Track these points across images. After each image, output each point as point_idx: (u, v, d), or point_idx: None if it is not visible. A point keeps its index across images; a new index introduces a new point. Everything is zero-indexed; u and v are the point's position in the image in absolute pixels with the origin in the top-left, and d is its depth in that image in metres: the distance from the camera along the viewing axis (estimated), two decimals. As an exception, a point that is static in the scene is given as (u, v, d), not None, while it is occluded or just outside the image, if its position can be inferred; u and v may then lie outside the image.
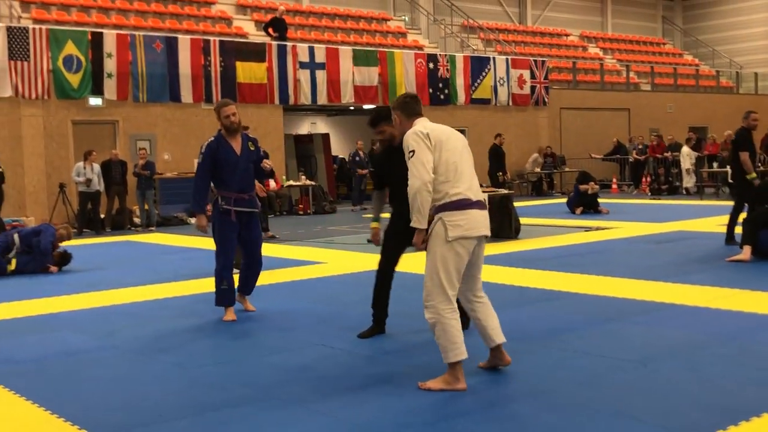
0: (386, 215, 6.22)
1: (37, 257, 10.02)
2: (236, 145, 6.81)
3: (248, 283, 7.25)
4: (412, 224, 4.66)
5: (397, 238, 6.09)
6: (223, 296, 6.91)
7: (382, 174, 6.27)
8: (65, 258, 10.32)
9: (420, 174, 4.60)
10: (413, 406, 4.44)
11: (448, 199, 4.65)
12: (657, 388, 4.67)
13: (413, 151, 4.65)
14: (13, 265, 9.98)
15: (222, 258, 6.88)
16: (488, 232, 4.82)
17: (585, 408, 4.34)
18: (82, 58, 17.13)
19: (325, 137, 23.46)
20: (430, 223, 4.78)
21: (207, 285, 8.02)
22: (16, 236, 10.14)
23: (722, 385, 4.70)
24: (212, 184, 6.91)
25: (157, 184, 17.64)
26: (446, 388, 4.62)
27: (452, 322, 4.62)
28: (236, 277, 7.06)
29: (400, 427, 4.12)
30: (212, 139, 6.82)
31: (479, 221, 4.72)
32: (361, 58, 21.29)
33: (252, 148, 6.96)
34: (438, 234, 4.65)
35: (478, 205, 4.73)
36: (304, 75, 20.22)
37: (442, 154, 4.68)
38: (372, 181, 6.70)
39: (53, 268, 9.98)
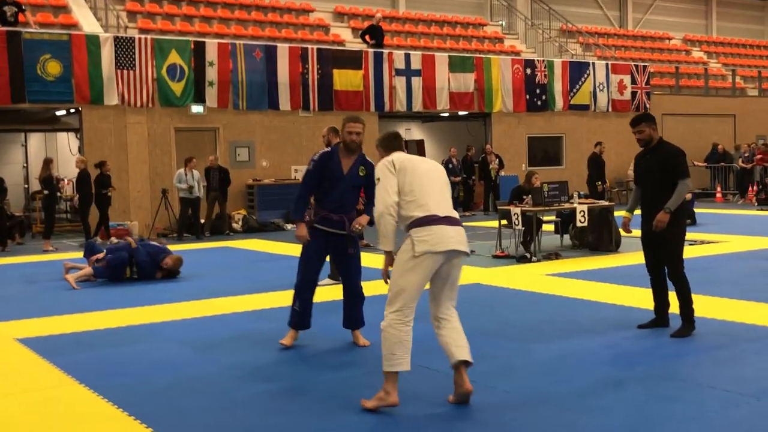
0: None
1: (143, 267, 10.37)
2: (346, 164, 6.36)
3: (348, 316, 6.57)
4: (380, 246, 4.91)
5: (647, 240, 6.76)
6: (293, 317, 6.51)
7: (636, 171, 6.97)
8: (172, 274, 10.61)
9: (383, 198, 4.84)
10: None
11: (415, 217, 4.78)
12: (773, 427, 4.43)
13: (379, 179, 4.91)
14: (128, 273, 10.37)
15: (299, 276, 6.50)
16: (461, 247, 4.81)
17: (696, 446, 4.15)
18: (185, 67, 17.57)
19: (420, 144, 23.43)
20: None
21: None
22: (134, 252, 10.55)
23: None
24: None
25: (255, 191, 17.98)
26: (378, 404, 4.71)
27: (395, 332, 4.72)
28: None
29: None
30: (328, 150, 6.48)
31: (447, 236, 4.76)
32: (457, 65, 21.16)
33: (361, 174, 6.40)
34: (405, 249, 4.78)
35: (446, 220, 4.80)
36: (400, 82, 20.22)
37: (406, 177, 4.87)
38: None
39: (159, 274, 10.36)
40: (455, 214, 4.94)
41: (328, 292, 8.51)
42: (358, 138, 6.30)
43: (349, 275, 6.51)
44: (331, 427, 4.58)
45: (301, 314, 6.46)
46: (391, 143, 5.24)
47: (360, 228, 6.35)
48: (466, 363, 4.85)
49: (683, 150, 6.77)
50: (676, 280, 6.62)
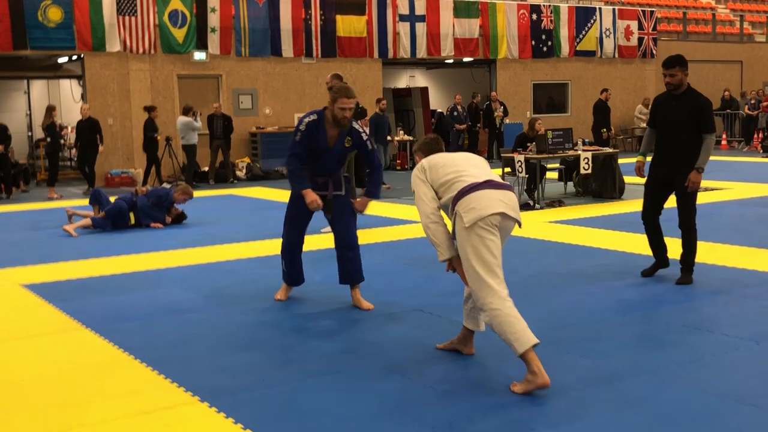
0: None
1: (146, 213, 10.46)
2: (332, 136, 5.90)
3: (342, 270, 6.10)
4: (439, 258, 4.47)
5: (656, 185, 6.66)
6: (285, 275, 6.35)
7: (655, 115, 6.76)
8: (180, 218, 10.74)
9: (422, 209, 4.48)
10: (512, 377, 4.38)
11: (456, 191, 4.37)
12: (770, 370, 4.48)
13: (414, 191, 4.57)
14: (132, 220, 10.45)
15: (285, 236, 6.23)
16: (510, 212, 4.35)
17: (692, 388, 4.20)
18: (187, 13, 17.42)
19: (424, 91, 23.26)
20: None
21: (308, 243, 8.06)
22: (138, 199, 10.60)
23: (842, 368, 4.48)
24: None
25: (258, 139, 17.95)
26: (529, 388, 4.17)
27: (502, 313, 4.22)
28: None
29: (495, 410, 4.08)
30: (314, 118, 5.86)
31: (493, 199, 4.32)
32: (462, 10, 20.92)
33: (347, 145, 5.98)
34: (458, 227, 4.35)
35: (487, 184, 4.37)
36: (404, 28, 20.02)
37: (439, 169, 4.50)
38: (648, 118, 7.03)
39: (155, 225, 10.43)
40: (496, 177, 4.49)
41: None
42: (350, 114, 5.82)
43: (340, 230, 6.07)
44: (335, 368, 4.65)
45: (289, 273, 6.29)
46: (432, 148, 4.81)
47: (360, 210, 6.08)
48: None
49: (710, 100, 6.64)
50: (687, 229, 6.56)
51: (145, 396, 4.30)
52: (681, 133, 6.46)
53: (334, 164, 6.04)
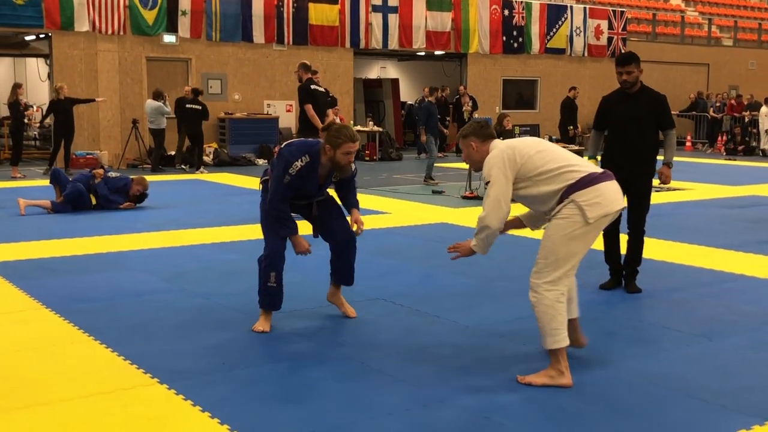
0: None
1: (107, 199, 10.43)
2: (323, 176, 5.18)
3: (339, 271, 5.50)
4: (472, 246, 4.29)
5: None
6: (269, 296, 5.22)
7: (607, 116, 6.41)
8: (142, 196, 10.71)
9: (495, 211, 4.19)
10: (478, 371, 4.44)
11: (571, 181, 4.14)
12: (720, 365, 4.59)
13: (489, 181, 4.22)
14: (94, 201, 10.42)
15: (269, 243, 5.22)
16: (624, 203, 4.38)
17: (643, 381, 4.29)
18: (158, -5, 17.26)
19: (395, 82, 23.28)
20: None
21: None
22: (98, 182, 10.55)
23: (789, 366, 4.60)
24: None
25: (227, 124, 17.85)
26: (549, 383, 4.20)
27: (556, 305, 4.17)
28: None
29: (456, 393, 4.14)
30: (306, 161, 5.03)
31: (616, 192, 4.23)
32: (434, 3, 20.96)
33: (334, 179, 5.30)
34: (570, 215, 4.14)
35: (607, 176, 4.25)
36: (376, 18, 20.02)
37: (533, 159, 4.19)
38: (594, 120, 6.66)
39: (127, 205, 10.51)
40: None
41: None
42: (352, 158, 5.11)
43: (328, 222, 5.40)
44: (295, 354, 4.68)
45: (278, 290, 5.21)
46: (486, 130, 4.40)
47: (362, 229, 5.27)
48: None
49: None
50: (638, 231, 6.39)
51: (103, 376, 4.30)
52: (639, 132, 6.21)
53: (319, 193, 5.36)
